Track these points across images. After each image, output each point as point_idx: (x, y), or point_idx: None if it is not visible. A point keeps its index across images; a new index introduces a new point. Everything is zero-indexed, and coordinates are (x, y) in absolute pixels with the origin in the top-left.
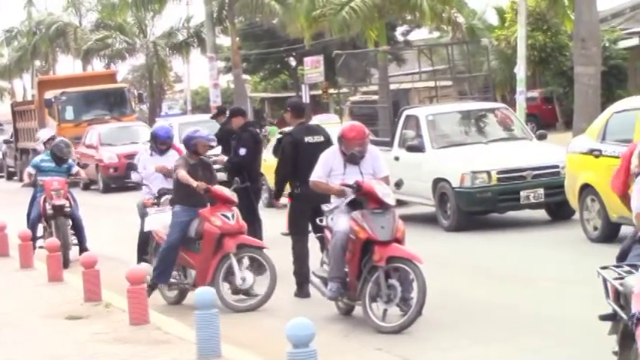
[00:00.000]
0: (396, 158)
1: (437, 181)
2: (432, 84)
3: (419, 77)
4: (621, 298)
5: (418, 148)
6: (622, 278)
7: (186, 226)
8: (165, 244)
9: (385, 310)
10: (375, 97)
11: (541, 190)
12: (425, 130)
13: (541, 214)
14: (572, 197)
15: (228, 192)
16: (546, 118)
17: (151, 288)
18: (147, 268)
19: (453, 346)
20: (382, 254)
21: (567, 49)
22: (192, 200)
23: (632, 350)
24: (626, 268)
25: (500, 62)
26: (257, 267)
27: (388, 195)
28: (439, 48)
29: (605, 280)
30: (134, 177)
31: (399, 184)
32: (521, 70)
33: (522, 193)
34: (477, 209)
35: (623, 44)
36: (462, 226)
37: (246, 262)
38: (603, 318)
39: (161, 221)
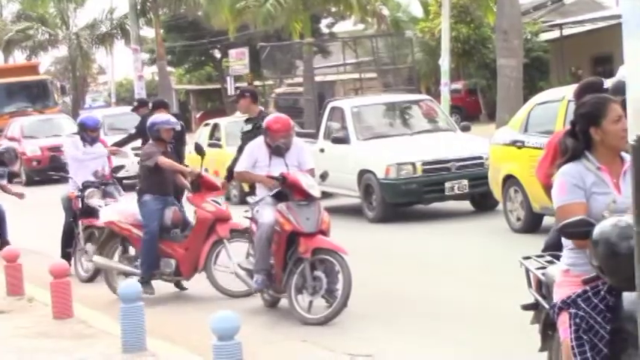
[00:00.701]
0: (322, 150)
1: (362, 173)
2: (356, 76)
3: (344, 69)
4: (543, 287)
5: (343, 140)
6: (544, 268)
7: (160, 214)
8: (147, 235)
9: (311, 302)
10: (301, 89)
11: (465, 182)
12: (350, 121)
13: (465, 205)
14: (496, 188)
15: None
16: (470, 110)
17: (146, 282)
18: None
19: (377, 337)
20: (307, 246)
21: (490, 41)
22: (161, 188)
23: (554, 339)
24: (548, 258)
25: (425, 54)
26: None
27: (313, 187)
28: (364, 40)
29: (527, 270)
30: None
31: (324, 176)
32: (445, 62)
33: (447, 185)
34: (402, 200)
35: (545, 36)
36: (387, 218)
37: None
38: (525, 307)
39: (119, 211)
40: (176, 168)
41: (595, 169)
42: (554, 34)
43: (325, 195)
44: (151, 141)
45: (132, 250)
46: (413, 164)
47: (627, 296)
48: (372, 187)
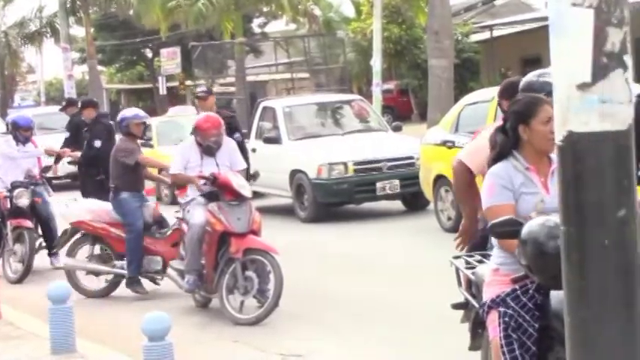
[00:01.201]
0: (253, 150)
1: (294, 173)
2: (289, 76)
3: (276, 69)
4: (473, 287)
5: (275, 140)
6: (474, 267)
7: (141, 211)
8: (132, 234)
9: (242, 302)
10: (233, 89)
11: (397, 181)
12: (282, 121)
13: (397, 204)
14: (427, 188)
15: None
16: (402, 110)
17: (136, 282)
18: None
19: (309, 337)
20: (239, 246)
21: (422, 42)
22: (137, 185)
23: (483, 337)
24: (478, 258)
25: (357, 54)
26: None
27: (244, 187)
28: (296, 40)
29: (457, 270)
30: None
31: (255, 176)
32: (377, 63)
33: (378, 185)
34: (333, 200)
35: (476, 37)
36: (319, 218)
37: None
38: (456, 306)
39: (89, 210)
40: (160, 165)
41: (523, 169)
42: (485, 35)
43: (257, 195)
44: (122, 136)
45: (97, 249)
46: (345, 164)
47: (555, 295)
48: (304, 187)
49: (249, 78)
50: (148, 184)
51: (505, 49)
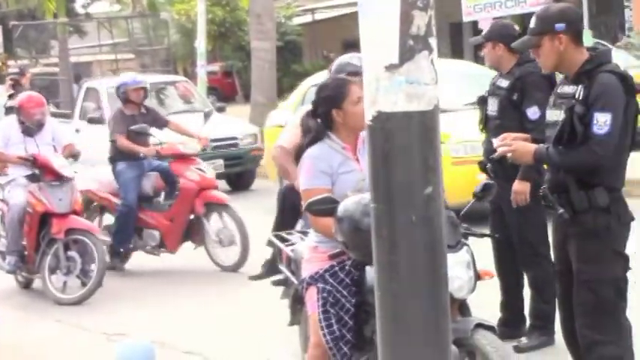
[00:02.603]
0: (77, 130)
1: None
2: (113, 57)
3: (99, 50)
4: (292, 263)
5: (99, 121)
6: (293, 245)
7: (138, 182)
8: (123, 207)
9: (65, 282)
10: (57, 69)
11: (221, 161)
12: (105, 102)
13: (222, 184)
14: (271, 169)
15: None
16: (227, 91)
17: (117, 255)
18: None
19: (133, 316)
20: (60, 227)
21: (245, 24)
22: (135, 154)
23: (302, 313)
24: (297, 235)
25: (182, 36)
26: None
27: (65, 167)
28: (120, 21)
29: (277, 247)
30: None
31: (75, 156)
32: (201, 44)
33: None
34: None
35: (298, 20)
36: None
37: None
38: (276, 283)
39: (95, 179)
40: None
41: (340, 148)
42: (307, 18)
43: None
44: (120, 106)
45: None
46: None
47: (370, 270)
48: None
49: (73, 59)
50: None
51: (327, 31)
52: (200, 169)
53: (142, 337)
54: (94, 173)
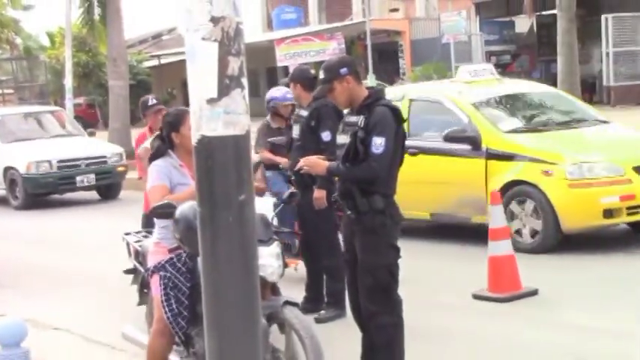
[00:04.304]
0: None
1: (7, 169)
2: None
3: None
4: (140, 256)
5: None
6: (141, 241)
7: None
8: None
9: None
10: None
11: (92, 176)
12: None
13: (92, 194)
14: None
15: None
16: (90, 120)
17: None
18: None
19: (8, 300)
20: None
21: (104, 66)
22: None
23: (148, 295)
24: (144, 234)
25: (53, 76)
26: None
27: None
28: (3, 63)
29: (127, 243)
30: None
31: None
32: (68, 82)
33: (78, 178)
34: (41, 191)
35: (148, 64)
36: (29, 206)
37: None
38: (127, 272)
39: None
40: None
41: (178, 165)
42: (154, 62)
43: None
44: (268, 117)
45: None
46: (49, 162)
47: (200, 260)
48: (16, 181)
49: None
50: None
51: (171, 73)
52: None
53: (15, 316)
54: None
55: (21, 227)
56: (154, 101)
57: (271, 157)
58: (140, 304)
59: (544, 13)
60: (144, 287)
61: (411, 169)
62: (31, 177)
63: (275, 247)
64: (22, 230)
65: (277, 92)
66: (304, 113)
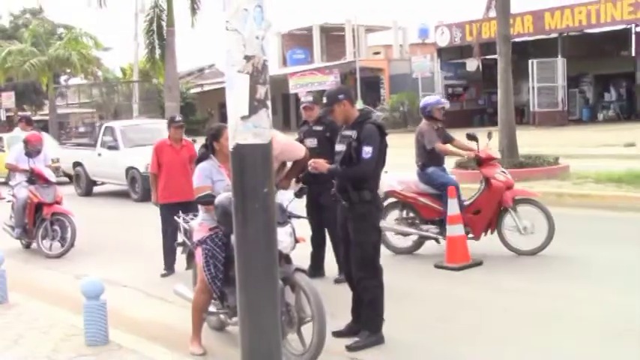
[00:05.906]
0: (99, 155)
1: (129, 169)
2: (83, 110)
3: (79, 106)
4: (187, 233)
5: (114, 147)
6: (188, 222)
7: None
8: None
9: (51, 244)
10: (48, 118)
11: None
12: (119, 135)
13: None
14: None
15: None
16: None
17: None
18: None
19: (96, 266)
20: (48, 211)
21: (162, 92)
22: (439, 161)
23: (193, 263)
24: (191, 216)
25: (124, 99)
26: None
27: (51, 175)
28: (86, 88)
29: (179, 223)
30: None
31: (57, 170)
32: (135, 104)
33: None
34: None
35: (193, 90)
36: (147, 199)
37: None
38: (178, 244)
39: (399, 181)
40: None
41: (217, 166)
42: (198, 89)
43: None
44: (424, 121)
45: (404, 214)
46: None
47: (233, 237)
48: (136, 179)
49: (58, 111)
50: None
51: (211, 97)
52: (504, 172)
53: (96, 277)
54: (397, 177)
55: (140, 214)
56: (179, 119)
57: (447, 148)
58: (187, 268)
59: (488, 57)
60: (190, 256)
61: None
62: (148, 175)
63: (289, 228)
64: (141, 217)
65: (431, 99)
66: (319, 128)
